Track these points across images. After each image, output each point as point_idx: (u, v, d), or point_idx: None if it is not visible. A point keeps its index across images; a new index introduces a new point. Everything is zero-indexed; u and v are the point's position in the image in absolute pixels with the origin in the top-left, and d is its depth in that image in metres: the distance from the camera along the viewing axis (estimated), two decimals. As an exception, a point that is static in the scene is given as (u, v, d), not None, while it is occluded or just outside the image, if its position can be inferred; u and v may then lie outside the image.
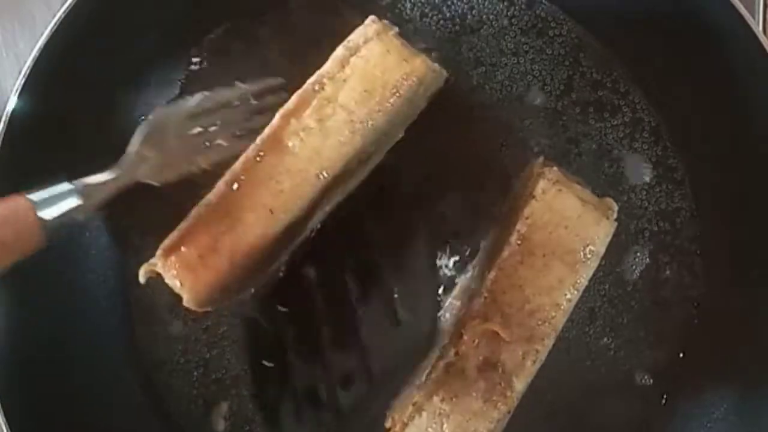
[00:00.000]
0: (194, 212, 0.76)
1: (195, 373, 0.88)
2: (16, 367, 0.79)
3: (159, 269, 0.75)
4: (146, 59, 0.87)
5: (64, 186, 0.73)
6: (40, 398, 0.80)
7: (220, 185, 0.76)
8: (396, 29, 0.79)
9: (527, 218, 0.75)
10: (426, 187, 0.86)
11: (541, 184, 0.76)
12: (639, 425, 0.85)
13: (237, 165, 0.76)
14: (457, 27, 0.88)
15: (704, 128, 0.83)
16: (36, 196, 0.71)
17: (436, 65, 0.79)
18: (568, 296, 0.74)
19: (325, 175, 0.75)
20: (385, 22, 0.79)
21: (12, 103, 0.78)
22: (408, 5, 0.88)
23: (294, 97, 0.77)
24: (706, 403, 0.83)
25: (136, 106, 0.87)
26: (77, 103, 0.83)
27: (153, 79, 0.88)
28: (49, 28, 0.78)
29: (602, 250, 0.75)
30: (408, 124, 0.84)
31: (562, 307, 0.74)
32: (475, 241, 0.85)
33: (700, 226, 0.85)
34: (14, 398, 0.77)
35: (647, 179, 0.86)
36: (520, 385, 0.74)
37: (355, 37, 0.78)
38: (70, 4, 0.78)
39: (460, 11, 0.88)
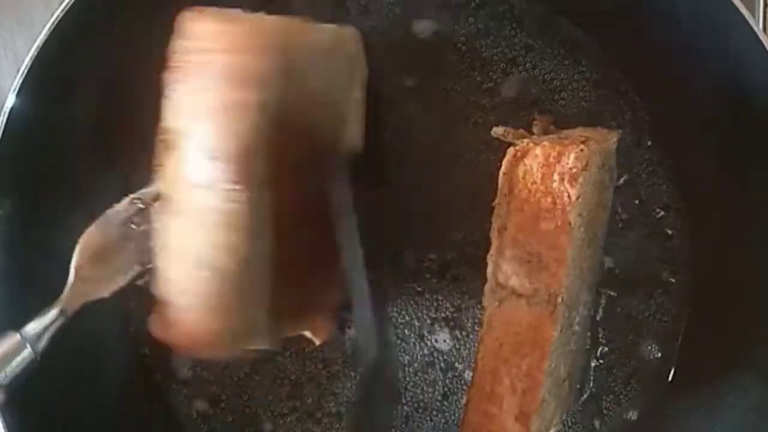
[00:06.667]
0: None
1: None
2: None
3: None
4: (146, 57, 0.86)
5: (13, 339, 0.71)
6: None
7: None
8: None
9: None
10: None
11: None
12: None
13: None
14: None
15: (704, 127, 0.82)
16: None
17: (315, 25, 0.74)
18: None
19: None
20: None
21: (10, 101, 0.78)
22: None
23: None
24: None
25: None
26: (76, 101, 0.83)
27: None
28: (47, 27, 0.78)
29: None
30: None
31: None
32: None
33: (699, 227, 0.85)
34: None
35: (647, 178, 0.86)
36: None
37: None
38: (68, 3, 0.78)
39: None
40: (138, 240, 0.76)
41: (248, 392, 0.86)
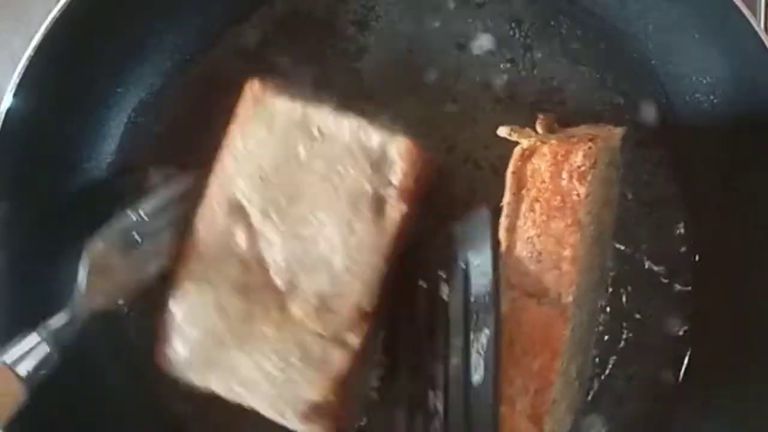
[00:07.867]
0: None
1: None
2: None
3: None
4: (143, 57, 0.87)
5: (32, 338, 0.73)
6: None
7: None
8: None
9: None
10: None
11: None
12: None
13: None
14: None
15: (705, 127, 0.83)
16: (9, 356, 0.72)
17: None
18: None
19: None
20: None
21: (7, 102, 0.78)
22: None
23: None
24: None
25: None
26: (74, 101, 0.82)
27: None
28: (45, 26, 0.77)
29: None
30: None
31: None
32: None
33: (699, 227, 0.85)
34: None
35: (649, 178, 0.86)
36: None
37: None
38: (65, 3, 0.77)
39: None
40: (138, 255, 0.77)
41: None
